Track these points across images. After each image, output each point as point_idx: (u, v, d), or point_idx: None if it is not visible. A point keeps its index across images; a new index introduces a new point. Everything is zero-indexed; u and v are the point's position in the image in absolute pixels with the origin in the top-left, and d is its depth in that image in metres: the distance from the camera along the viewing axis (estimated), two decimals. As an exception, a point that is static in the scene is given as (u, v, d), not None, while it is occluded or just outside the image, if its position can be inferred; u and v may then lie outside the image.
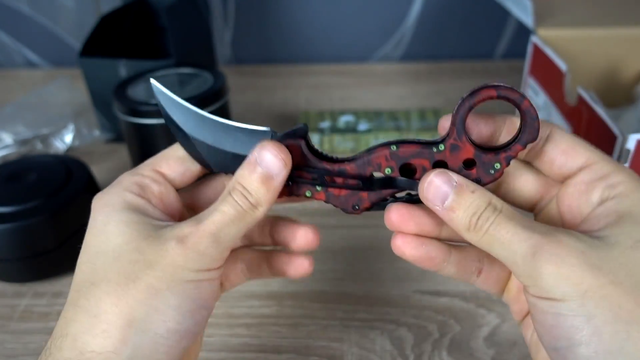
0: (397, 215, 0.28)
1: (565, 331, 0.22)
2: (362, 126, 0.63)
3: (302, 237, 0.33)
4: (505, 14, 0.88)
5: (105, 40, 0.66)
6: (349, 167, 0.28)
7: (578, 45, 0.58)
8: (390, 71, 0.88)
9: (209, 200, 0.31)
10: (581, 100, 0.47)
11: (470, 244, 0.26)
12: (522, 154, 0.28)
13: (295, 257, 0.34)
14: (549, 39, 0.57)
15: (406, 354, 0.39)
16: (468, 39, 0.91)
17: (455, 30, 0.90)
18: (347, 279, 0.46)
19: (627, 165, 0.41)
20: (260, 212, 0.28)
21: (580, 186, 0.26)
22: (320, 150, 0.29)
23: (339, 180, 0.29)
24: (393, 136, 0.62)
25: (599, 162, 0.26)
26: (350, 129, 0.63)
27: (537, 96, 0.59)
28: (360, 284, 0.45)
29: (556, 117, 0.53)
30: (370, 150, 0.28)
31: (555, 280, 0.22)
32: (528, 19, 0.59)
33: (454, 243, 0.29)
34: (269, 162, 0.27)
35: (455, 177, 0.26)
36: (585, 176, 0.26)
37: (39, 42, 0.94)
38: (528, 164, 0.29)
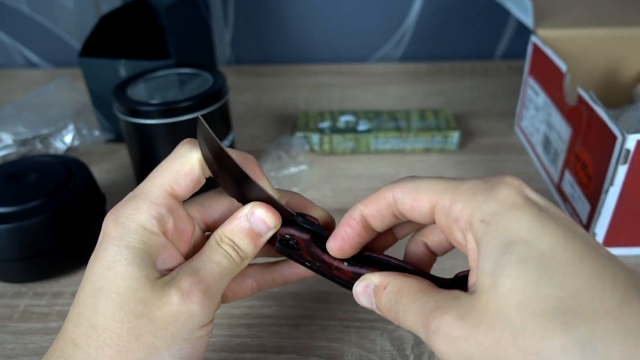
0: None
1: None
2: (362, 126, 0.63)
3: None
4: (505, 14, 0.88)
5: (105, 41, 0.66)
6: (346, 270, 0.30)
7: (578, 46, 0.58)
8: (390, 71, 0.88)
9: (221, 214, 0.32)
10: (581, 100, 0.47)
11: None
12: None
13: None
14: (549, 39, 0.58)
15: (406, 354, 0.39)
16: (468, 39, 0.91)
17: (455, 30, 0.90)
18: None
19: (626, 165, 0.41)
20: (245, 264, 0.30)
21: (446, 231, 0.26)
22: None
23: (334, 272, 0.31)
24: (393, 136, 0.62)
25: (439, 199, 0.25)
26: (350, 129, 0.63)
27: (537, 96, 0.59)
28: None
29: (556, 117, 0.53)
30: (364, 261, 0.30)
31: (448, 354, 0.23)
32: (528, 19, 0.59)
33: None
34: (259, 221, 0.29)
35: (375, 278, 0.28)
36: (440, 220, 0.26)
37: (39, 42, 0.94)
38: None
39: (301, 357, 0.39)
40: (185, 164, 0.29)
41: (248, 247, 0.30)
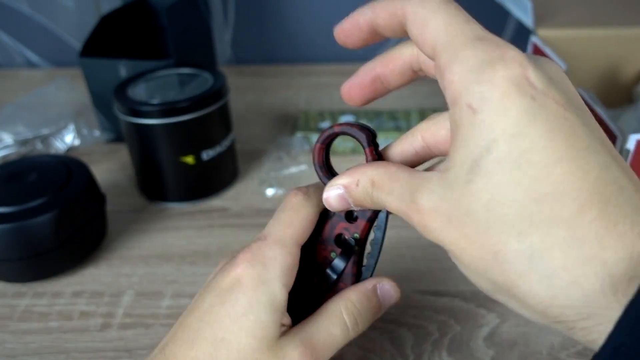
0: None
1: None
2: (362, 126, 0.63)
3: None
4: (505, 14, 0.88)
5: (105, 41, 0.66)
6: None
7: (578, 46, 0.58)
8: (391, 71, 0.88)
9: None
10: (581, 100, 0.47)
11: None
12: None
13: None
14: (549, 39, 0.57)
15: (406, 354, 0.39)
16: (468, 39, 0.91)
17: (456, 30, 0.90)
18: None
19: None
20: (358, 334, 0.30)
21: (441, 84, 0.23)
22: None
23: None
24: (393, 136, 0.62)
25: (440, 51, 0.22)
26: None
27: (537, 96, 0.59)
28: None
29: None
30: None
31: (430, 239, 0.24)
32: (528, 19, 0.59)
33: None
34: (388, 297, 0.30)
35: (341, 180, 0.28)
36: (435, 70, 0.23)
37: (39, 42, 0.94)
38: None
39: (301, 357, 0.39)
40: (311, 212, 0.30)
41: (369, 320, 0.30)
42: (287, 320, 0.29)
